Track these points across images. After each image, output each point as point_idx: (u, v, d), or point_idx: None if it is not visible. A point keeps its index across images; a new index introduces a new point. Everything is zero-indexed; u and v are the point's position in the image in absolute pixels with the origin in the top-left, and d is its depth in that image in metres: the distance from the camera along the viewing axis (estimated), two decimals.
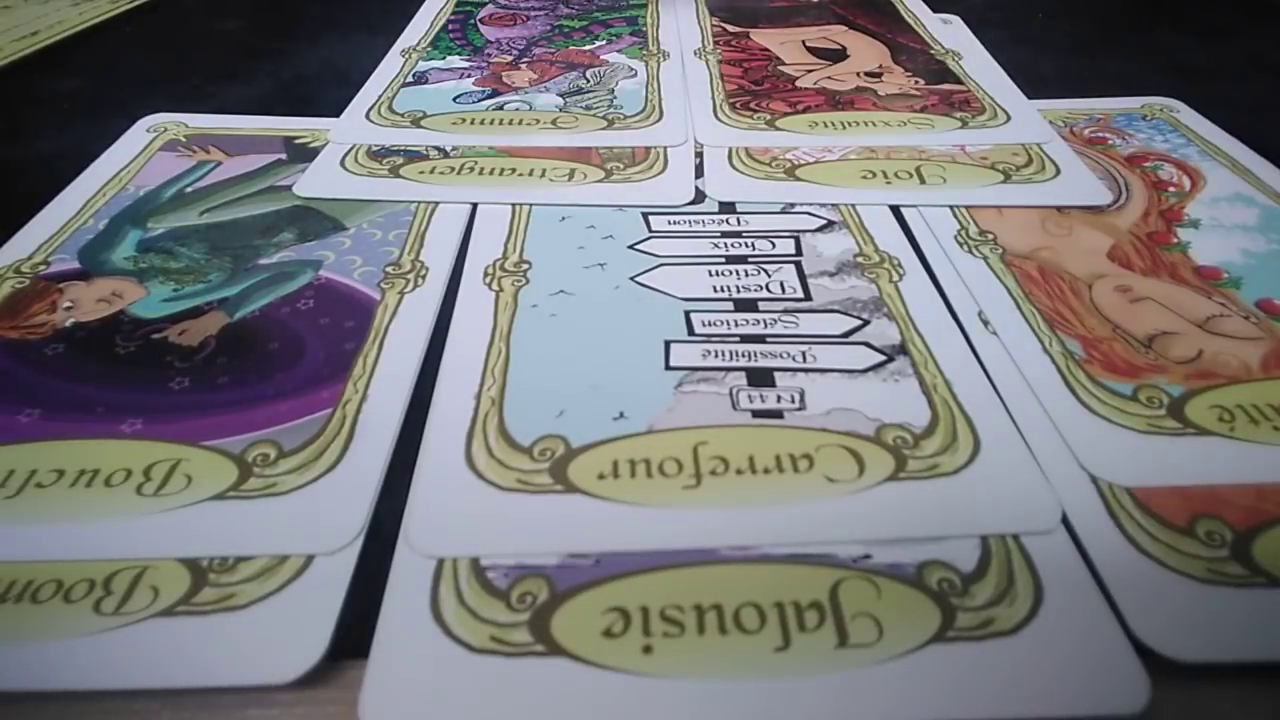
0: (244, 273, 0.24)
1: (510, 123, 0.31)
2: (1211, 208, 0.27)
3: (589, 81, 0.34)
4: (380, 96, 0.33)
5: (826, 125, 0.31)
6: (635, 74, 0.35)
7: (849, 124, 0.31)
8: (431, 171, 0.28)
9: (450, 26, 0.41)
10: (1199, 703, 0.14)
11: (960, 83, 0.35)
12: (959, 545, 0.16)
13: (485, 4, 0.44)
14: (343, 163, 0.29)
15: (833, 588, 0.16)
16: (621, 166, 0.29)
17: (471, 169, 0.29)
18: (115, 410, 0.19)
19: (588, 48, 0.38)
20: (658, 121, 0.31)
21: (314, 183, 0.28)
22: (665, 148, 0.30)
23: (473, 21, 0.41)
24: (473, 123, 0.31)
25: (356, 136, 0.30)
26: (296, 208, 0.27)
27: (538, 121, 0.31)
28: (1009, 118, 0.32)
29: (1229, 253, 0.25)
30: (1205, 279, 0.24)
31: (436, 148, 0.30)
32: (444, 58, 0.37)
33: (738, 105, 0.33)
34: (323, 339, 0.22)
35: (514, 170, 0.28)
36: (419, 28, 0.40)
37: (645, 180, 0.28)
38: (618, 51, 0.37)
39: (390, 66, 0.36)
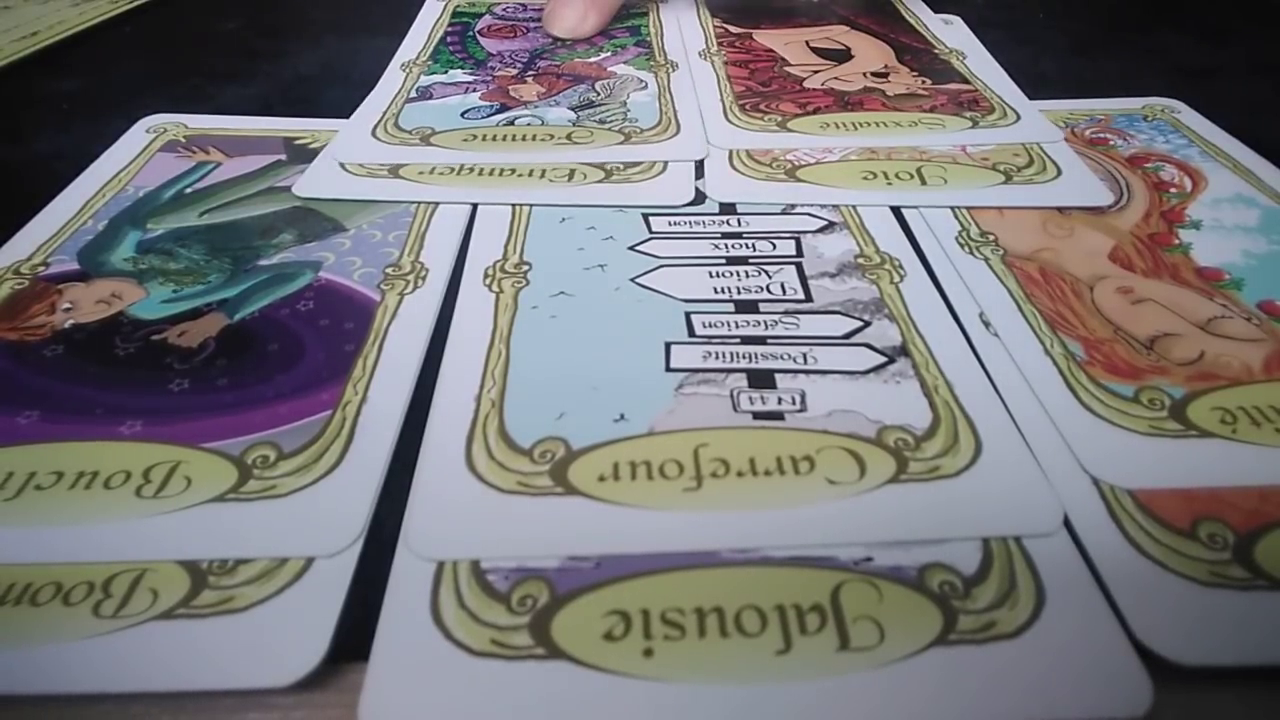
0: (244, 274, 0.24)
1: (523, 138, 0.30)
2: (1213, 209, 0.27)
3: (599, 94, 0.34)
4: (385, 112, 0.32)
5: (838, 126, 0.31)
6: (645, 86, 0.35)
7: (860, 125, 0.31)
8: (431, 172, 0.28)
9: (449, 39, 0.40)
10: (1201, 705, 0.14)
11: (967, 82, 0.35)
12: (960, 548, 0.16)
13: (482, 15, 0.43)
14: (342, 163, 0.29)
15: (834, 590, 0.16)
16: (621, 167, 0.29)
17: (471, 170, 0.28)
18: (114, 412, 0.19)
19: (593, 59, 0.37)
20: (675, 134, 0.31)
21: (313, 183, 0.28)
22: (691, 161, 0.29)
23: (471, 33, 0.41)
24: (484, 139, 0.30)
25: (363, 155, 0.29)
26: (296, 209, 0.27)
27: (551, 137, 0.30)
28: (1019, 117, 0.32)
29: (1230, 254, 0.25)
30: (1207, 280, 0.24)
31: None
32: (445, 71, 0.36)
33: (747, 107, 0.33)
34: (322, 340, 0.22)
35: (514, 171, 0.28)
36: (416, 40, 0.40)
37: (645, 181, 0.28)
38: (624, 63, 0.37)
39: (392, 81, 0.35)
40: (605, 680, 0.14)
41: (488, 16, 0.43)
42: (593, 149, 0.30)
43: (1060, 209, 0.27)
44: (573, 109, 0.33)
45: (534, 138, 0.30)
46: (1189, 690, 0.14)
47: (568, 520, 0.17)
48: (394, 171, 0.28)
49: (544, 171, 0.28)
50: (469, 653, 0.15)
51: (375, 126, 0.31)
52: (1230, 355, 0.21)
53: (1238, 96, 0.35)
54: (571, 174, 0.28)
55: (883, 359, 0.21)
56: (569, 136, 0.30)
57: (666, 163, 0.29)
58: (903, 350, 0.21)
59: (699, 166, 0.29)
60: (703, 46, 0.39)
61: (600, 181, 0.28)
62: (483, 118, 0.32)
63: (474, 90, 0.34)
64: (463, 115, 0.32)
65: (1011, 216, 0.27)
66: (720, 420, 0.19)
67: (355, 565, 0.16)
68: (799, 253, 0.25)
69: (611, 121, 0.32)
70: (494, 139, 0.30)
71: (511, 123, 0.32)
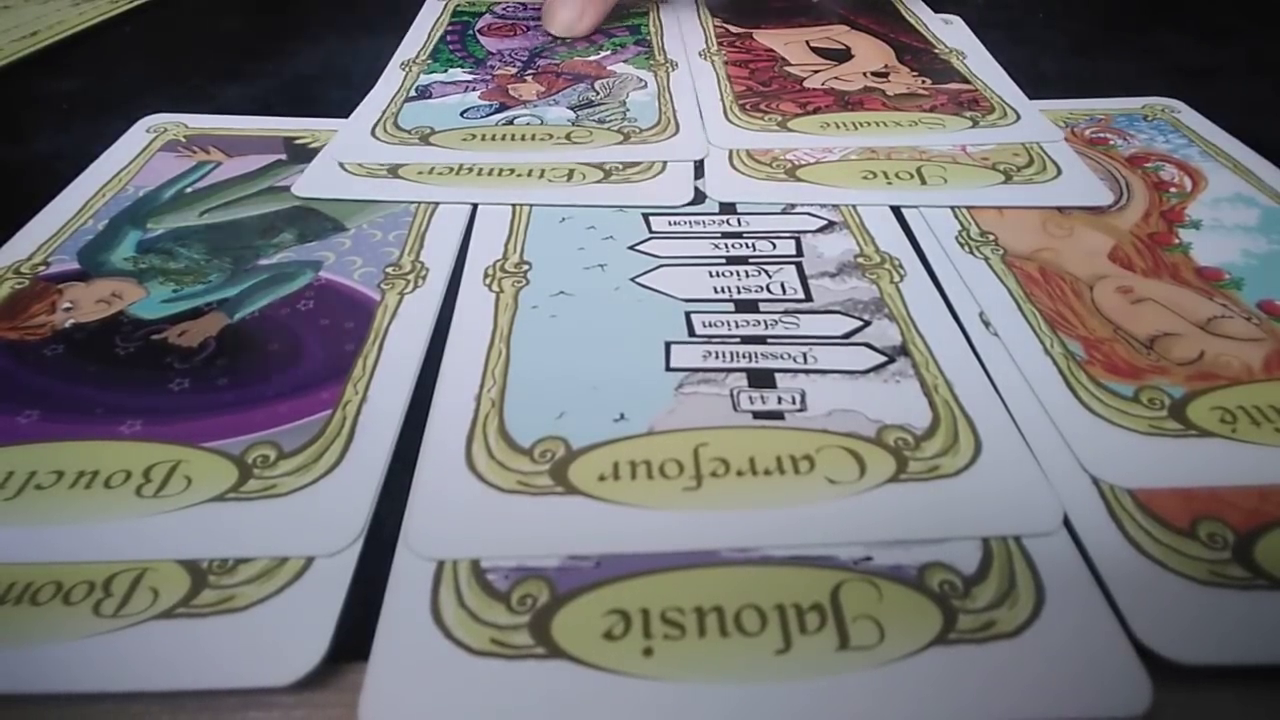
0: (244, 273, 0.24)
1: (523, 138, 0.30)
2: (1213, 208, 0.27)
3: (598, 94, 0.34)
4: (385, 112, 0.32)
5: (838, 126, 0.31)
6: (645, 85, 0.35)
7: (860, 124, 0.31)
8: (431, 172, 0.28)
9: (449, 38, 0.40)
10: (1200, 705, 0.14)
11: (967, 81, 0.35)
12: (960, 547, 0.16)
13: (482, 14, 0.43)
14: (342, 163, 0.29)
15: (834, 590, 0.16)
16: (621, 166, 0.29)
17: (471, 169, 0.29)
18: (115, 411, 0.19)
19: (593, 58, 0.37)
20: (674, 134, 0.31)
21: (313, 183, 0.28)
22: (690, 161, 0.29)
23: (471, 32, 0.41)
24: (484, 138, 0.30)
25: (362, 155, 0.29)
26: (296, 208, 0.27)
27: (551, 136, 0.30)
28: (1019, 117, 0.32)
29: (1230, 254, 0.25)
30: (1206, 280, 0.24)
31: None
32: (445, 70, 0.36)
33: (747, 107, 0.33)
34: (322, 340, 0.22)
35: (513, 171, 0.28)
36: (416, 39, 0.40)
37: (645, 181, 0.28)
38: (624, 62, 0.37)
39: (391, 80, 0.35)
40: (605, 680, 0.14)
41: (488, 15, 0.43)
42: (592, 149, 0.30)
43: (1060, 209, 0.27)
44: (572, 108, 0.33)
45: (533, 137, 0.30)
46: (1189, 690, 0.14)
47: (568, 520, 0.17)
48: (393, 171, 0.28)
49: (543, 171, 0.28)
50: (469, 652, 0.15)
51: (375, 126, 0.31)
52: (1230, 355, 0.21)
53: (1238, 96, 0.35)
54: (571, 174, 0.28)
55: (883, 358, 0.21)
56: (568, 136, 0.30)
57: (666, 162, 0.29)
58: (903, 350, 0.21)
59: (699, 166, 0.29)
60: (703, 46, 0.39)
61: (600, 181, 0.28)
62: (482, 117, 0.32)
63: (473, 89, 0.34)
64: (462, 114, 0.32)
65: (1011, 216, 0.27)
66: (720, 420, 0.19)
67: (355, 565, 0.16)
68: (799, 252, 0.25)
69: (611, 121, 0.31)
70: (493, 138, 0.30)
71: (511, 122, 0.32)
